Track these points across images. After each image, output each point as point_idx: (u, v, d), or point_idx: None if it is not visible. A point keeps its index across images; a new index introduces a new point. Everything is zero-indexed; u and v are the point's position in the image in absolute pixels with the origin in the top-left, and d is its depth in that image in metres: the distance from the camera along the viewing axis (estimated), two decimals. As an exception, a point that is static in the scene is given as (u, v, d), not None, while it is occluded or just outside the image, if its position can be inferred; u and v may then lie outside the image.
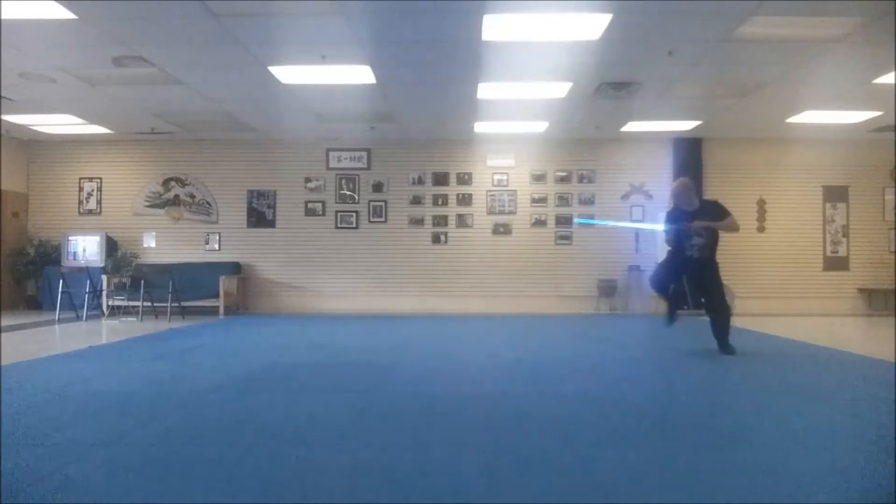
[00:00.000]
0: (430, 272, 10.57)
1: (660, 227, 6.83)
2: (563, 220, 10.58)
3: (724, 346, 5.64)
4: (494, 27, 5.65)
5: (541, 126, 9.67)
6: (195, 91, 7.74)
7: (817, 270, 10.61)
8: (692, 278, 5.75)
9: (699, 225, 5.59)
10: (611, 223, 7.30)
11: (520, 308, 10.32)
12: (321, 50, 6.30)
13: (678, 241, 5.67)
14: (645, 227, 6.97)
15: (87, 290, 9.18)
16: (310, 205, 10.70)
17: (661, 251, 9.87)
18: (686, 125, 9.65)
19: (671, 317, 6.03)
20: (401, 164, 10.67)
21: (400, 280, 10.58)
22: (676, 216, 5.76)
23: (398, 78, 7.27)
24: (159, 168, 10.79)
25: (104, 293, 9.54)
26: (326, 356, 5.95)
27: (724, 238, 10.67)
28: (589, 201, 10.61)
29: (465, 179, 10.67)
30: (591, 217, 10.38)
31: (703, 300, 5.83)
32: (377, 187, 10.68)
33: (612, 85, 7.53)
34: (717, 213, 5.75)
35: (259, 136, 10.37)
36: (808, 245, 10.61)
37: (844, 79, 7.23)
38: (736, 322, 8.85)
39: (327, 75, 7.07)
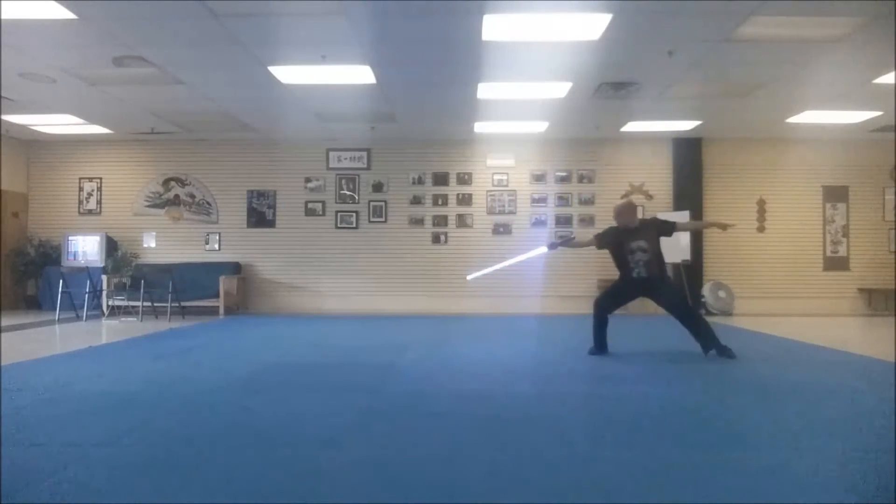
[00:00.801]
0: (430, 272, 10.56)
1: (542, 249, 7.02)
2: (563, 220, 10.58)
3: (721, 350, 5.50)
4: (494, 27, 5.65)
5: (541, 126, 9.67)
6: (195, 91, 7.74)
7: (817, 270, 10.61)
8: (652, 299, 5.83)
9: (685, 226, 5.74)
10: (502, 265, 7.54)
11: (520, 308, 10.31)
12: (321, 50, 6.30)
13: (622, 261, 5.71)
14: (532, 255, 7.20)
15: (87, 290, 9.18)
16: (310, 205, 10.70)
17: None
18: (686, 125, 9.66)
19: (601, 348, 5.79)
20: (401, 164, 10.67)
21: (400, 280, 10.58)
22: (619, 233, 5.79)
23: (398, 78, 7.27)
24: (159, 168, 10.80)
25: (104, 293, 9.55)
26: (326, 356, 5.95)
27: (724, 238, 10.71)
28: (589, 201, 10.61)
29: (465, 179, 10.67)
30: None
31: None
32: (377, 187, 10.68)
33: (612, 85, 7.53)
34: (662, 224, 5.83)
35: (259, 136, 10.37)
36: (808, 245, 10.61)
37: (844, 79, 7.23)
38: (736, 322, 8.90)
39: (327, 75, 7.07)
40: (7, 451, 2.78)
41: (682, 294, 5.72)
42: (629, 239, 5.65)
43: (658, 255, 5.66)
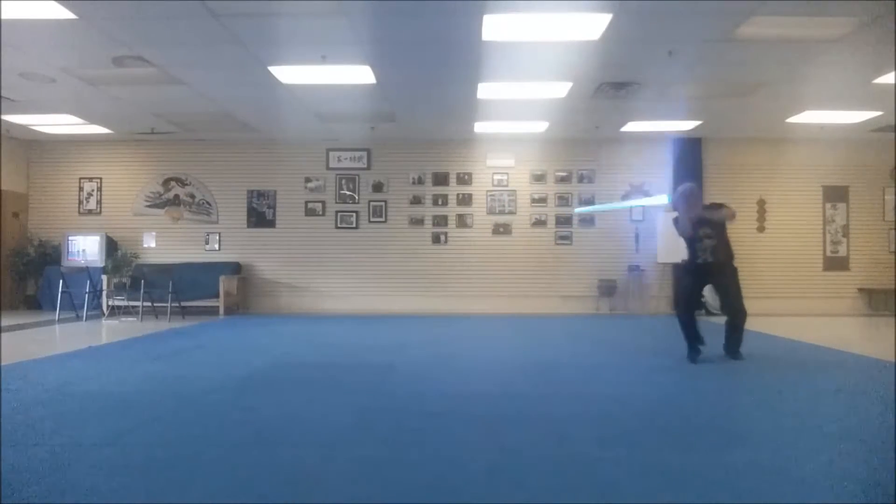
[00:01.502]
0: (430, 272, 10.56)
1: (662, 199, 6.41)
2: (563, 220, 10.58)
3: (735, 352, 5.49)
4: (494, 27, 5.64)
5: (541, 126, 9.67)
6: (195, 91, 7.74)
7: (817, 270, 10.61)
8: (712, 283, 5.68)
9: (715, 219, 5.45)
10: (609, 207, 7.21)
11: (520, 308, 10.32)
12: (321, 50, 6.29)
13: (691, 247, 5.56)
14: (645, 204, 6.72)
15: (87, 290, 9.18)
16: (310, 205, 10.70)
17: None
18: (686, 125, 9.65)
19: (695, 350, 5.49)
20: (401, 164, 10.67)
21: (400, 280, 10.58)
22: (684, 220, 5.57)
23: (398, 78, 7.27)
24: (159, 168, 10.79)
25: (104, 293, 9.55)
26: (326, 356, 5.95)
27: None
28: (589, 201, 10.60)
29: (465, 179, 10.67)
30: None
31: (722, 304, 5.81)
32: (377, 187, 10.68)
33: (612, 85, 7.53)
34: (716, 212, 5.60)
35: (259, 136, 10.36)
36: (808, 245, 10.60)
37: (844, 79, 7.22)
38: (736, 322, 8.87)
39: (327, 75, 7.06)
40: (7, 451, 2.78)
41: (740, 293, 5.61)
42: (699, 224, 5.48)
43: (724, 239, 5.57)
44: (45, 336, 7.49)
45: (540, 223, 10.60)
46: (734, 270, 5.65)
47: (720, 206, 5.66)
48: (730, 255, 5.63)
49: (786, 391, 4.30)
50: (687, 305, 5.72)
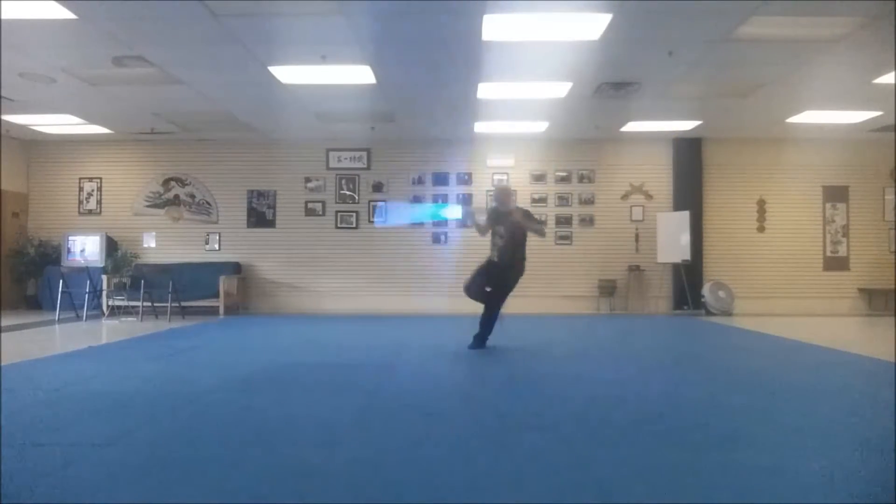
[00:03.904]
0: (431, 272, 10.56)
1: (458, 212, 7.16)
2: (563, 220, 10.58)
3: (474, 343, 5.92)
4: (494, 27, 5.65)
5: (541, 126, 9.67)
6: (195, 91, 7.74)
7: (817, 270, 10.61)
8: (488, 281, 5.95)
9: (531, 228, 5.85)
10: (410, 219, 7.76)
11: (519, 308, 10.26)
12: (321, 50, 6.30)
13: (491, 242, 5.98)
14: (447, 214, 7.33)
15: (87, 290, 9.17)
16: (310, 205, 10.70)
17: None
18: (686, 125, 9.66)
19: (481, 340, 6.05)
20: (401, 164, 10.67)
21: (400, 280, 10.57)
22: (496, 214, 6.03)
23: (398, 78, 7.27)
24: (159, 168, 10.80)
25: (104, 293, 9.54)
26: (326, 356, 5.95)
27: (724, 238, 10.69)
28: (589, 201, 10.61)
29: (465, 179, 10.67)
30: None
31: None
32: (377, 187, 10.68)
33: (612, 85, 7.53)
34: (526, 217, 5.94)
35: (259, 136, 10.37)
36: (808, 245, 10.61)
37: (844, 79, 7.23)
38: (736, 322, 8.89)
39: (327, 75, 7.07)
40: (7, 451, 2.77)
41: (501, 291, 5.95)
42: (497, 222, 5.90)
43: (514, 243, 5.80)
44: (45, 336, 7.49)
45: (540, 223, 10.58)
46: (507, 273, 5.90)
47: (522, 211, 6.05)
48: (516, 260, 5.87)
49: (785, 391, 4.30)
50: (474, 294, 6.04)
